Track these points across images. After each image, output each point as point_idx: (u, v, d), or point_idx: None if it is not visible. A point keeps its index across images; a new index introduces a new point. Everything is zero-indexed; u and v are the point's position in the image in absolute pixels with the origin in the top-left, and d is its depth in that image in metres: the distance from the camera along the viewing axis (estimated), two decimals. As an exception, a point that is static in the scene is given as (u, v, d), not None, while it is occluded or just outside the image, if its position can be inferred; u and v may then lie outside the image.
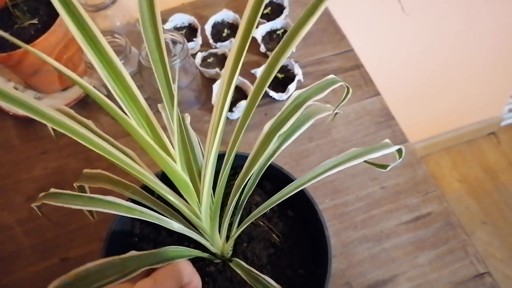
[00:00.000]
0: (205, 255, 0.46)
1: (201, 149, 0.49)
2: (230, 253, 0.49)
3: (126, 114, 0.38)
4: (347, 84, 0.43)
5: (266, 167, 0.46)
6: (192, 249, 0.45)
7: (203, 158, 0.47)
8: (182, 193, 0.41)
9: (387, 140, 0.44)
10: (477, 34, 1.26)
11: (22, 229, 0.69)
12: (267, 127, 0.43)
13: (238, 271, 0.43)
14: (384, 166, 0.47)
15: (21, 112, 0.33)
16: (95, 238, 0.66)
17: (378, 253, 0.62)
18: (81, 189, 0.48)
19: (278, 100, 0.75)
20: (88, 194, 0.43)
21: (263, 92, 0.40)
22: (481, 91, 1.54)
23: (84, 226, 0.67)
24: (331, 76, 0.43)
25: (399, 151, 0.44)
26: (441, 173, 1.71)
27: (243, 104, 0.71)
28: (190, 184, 0.40)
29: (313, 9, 0.35)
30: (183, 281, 0.39)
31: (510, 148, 1.75)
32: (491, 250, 1.55)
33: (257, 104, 0.40)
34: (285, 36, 0.37)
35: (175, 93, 0.38)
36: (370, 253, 0.62)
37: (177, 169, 0.38)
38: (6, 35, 0.32)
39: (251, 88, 0.71)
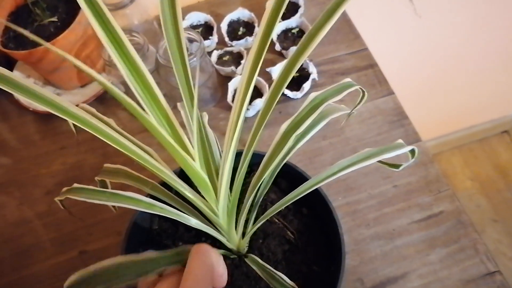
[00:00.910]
0: (221, 251, 0.48)
1: (218, 147, 0.50)
2: (246, 249, 0.50)
3: (145, 112, 0.40)
4: (362, 88, 0.44)
5: (281, 165, 0.47)
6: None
7: (221, 156, 0.48)
8: (200, 191, 0.42)
9: (400, 141, 0.45)
10: (489, 32, 1.26)
11: (41, 222, 0.70)
12: (283, 127, 0.44)
13: (254, 267, 0.44)
14: (396, 166, 0.48)
15: (40, 107, 0.35)
16: (112, 232, 0.67)
17: (390, 250, 0.63)
18: (102, 183, 0.50)
19: (292, 99, 0.75)
20: (110, 190, 0.44)
21: (281, 93, 0.41)
22: (494, 89, 1.53)
23: (102, 220, 0.69)
24: (347, 79, 0.44)
25: (412, 151, 0.45)
26: (453, 171, 1.71)
27: (258, 102, 0.72)
28: (209, 182, 0.41)
29: (332, 11, 0.36)
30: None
31: (522, 147, 1.75)
32: (501, 248, 1.55)
33: (274, 105, 0.41)
34: (303, 38, 0.38)
35: (195, 94, 0.39)
36: (382, 250, 0.63)
37: (196, 167, 0.39)
38: (28, 33, 0.33)
39: (266, 87, 0.73)
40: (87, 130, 0.36)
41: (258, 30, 0.39)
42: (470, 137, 1.73)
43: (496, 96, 1.57)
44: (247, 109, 0.72)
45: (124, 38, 0.38)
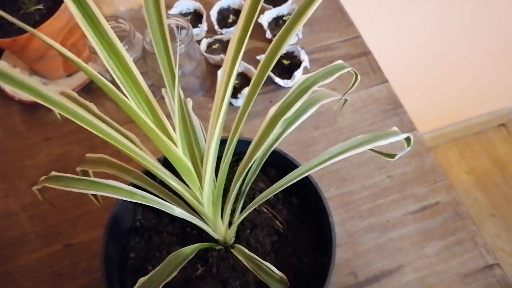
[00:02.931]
0: (206, 245, 0.46)
1: (204, 135, 0.48)
2: (233, 239, 0.48)
3: (127, 98, 0.38)
4: (355, 70, 0.42)
5: (270, 152, 0.45)
6: (192, 245, 0.44)
7: (205, 143, 0.46)
8: (184, 178, 0.40)
9: (395, 128, 0.43)
10: (487, 23, 1.24)
11: (26, 215, 0.69)
12: (272, 111, 0.43)
13: (240, 258, 0.42)
14: (391, 155, 0.46)
15: (26, 97, 0.33)
16: (98, 225, 0.65)
17: (384, 243, 0.61)
18: (84, 173, 0.48)
19: (283, 87, 0.73)
20: (89, 178, 0.42)
21: (266, 76, 0.39)
22: (491, 81, 1.51)
23: (87, 212, 0.67)
24: (339, 61, 0.42)
25: (408, 139, 0.43)
26: (449, 165, 1.69)
27: (247, 90, 0.70)
28: (192, 169, 0.39)
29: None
30: None
31: (520, 140, 1.73)
32: (499, 243, 1.53)
33: (260, 88, 0.39)
34: (288, 21, 0.36)
35: (176, 71, 0.37)
36: (376, 243, 0.61)
37: (178, 153, 0.38)
38: (12, 18, 0.31)
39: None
40: (67, 116, 0.34)
41: (242, 11, 0.37)
42: (467, 130, 1.71)
43: (493, 88, 1.56)
44: (237, 97, 0.70)
45: (105, 23, 0.37)
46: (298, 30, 0.37)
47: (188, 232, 0.49)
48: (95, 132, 0.35)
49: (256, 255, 0.42)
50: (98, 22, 0.36)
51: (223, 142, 0.41)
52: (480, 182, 1.65)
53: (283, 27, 0.37)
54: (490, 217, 1.59)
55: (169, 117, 0.44)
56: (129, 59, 0.39)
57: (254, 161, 0.43)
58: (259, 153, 0.42)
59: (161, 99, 0.52)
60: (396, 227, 0.62)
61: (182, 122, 0.42)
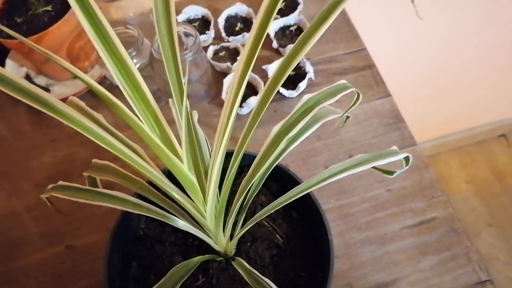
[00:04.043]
0: (207, 257, 0.47)
1: (208, 147, 0.49)
2: (234, 251, 0.49)
3: (134, 111, 0.39)
4: (358, 91, 0.43)
5: (272, 168, 0.46)
6: (194, 258, 0.45)
7: (210, 157, 0.47)
8: (188, 192, 0.41)
9: (394, 147, 0.44)
10: (489, 36, 1.24)
11: (30, 215, 0.69)
12: (275, 129, 0.44)
13: (240, 271, 0.43)
14: (390, 172, 0.47)
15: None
16: (100, 228, 0.66)
17: (381, 255, 0.62)
18: (91, 178, 0.49)
19: (287, 97, 0.74)
20: (95, 189, 0.43)
21: (275, 92, 0.40)
22: (493, 92, 1.52)
23: (91, 215, 0.68)
24: (343, 81, 0.43)
25: (406, 159, 0.44)
26: (449, 173, 1.70)
27: (252, 100, 0.70)
28: (197, 184, 0.40)
29: (330, 10, 0.35)
30: None
31: (520, 151, 1.74)
32: (495, 253, 1.54)
33: (267, 105, 0.40)
34: (300, 37, 0.37)
35: (185, 89, 0.38)
36: (373, 255, 0.62)
37: (184, 169, 0.39)
38: (4, 28, 0.32)
39: (261, 84, 0.72)
40: (73, 127, 0.36)
41: (253, 25, 0.37)
42: (468, 139, 1.72)
43: (494, 99, 1.56)
44: (242, 106, 0.71)
45: (112, 33, 0.37)
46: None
47: (190, 243, 0.50)
48: (100, 143, 0.36)
49: (256, 268, 0.43)
50: (107, 35, 0.37)
51: (227, 155, 0.42)
52: (479, 191, 1.66)
53: (294, 45, 0.37)
54: (487, 226, 1.59)
55: (174, 122, 0.45)
56: (137, 73, 0.39)
57: (257, 177, 0.44)
58: (262, 169, 0.43)
59: (166, 104, 0.53)
60: (393, 241, 0.63)
61: (188, 137, 0.43)
